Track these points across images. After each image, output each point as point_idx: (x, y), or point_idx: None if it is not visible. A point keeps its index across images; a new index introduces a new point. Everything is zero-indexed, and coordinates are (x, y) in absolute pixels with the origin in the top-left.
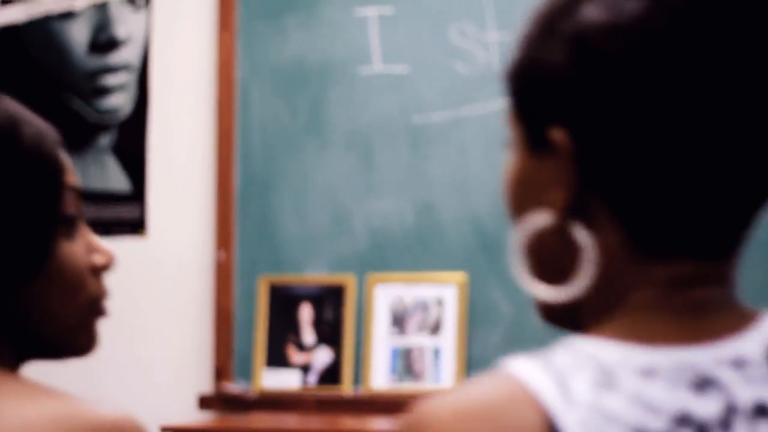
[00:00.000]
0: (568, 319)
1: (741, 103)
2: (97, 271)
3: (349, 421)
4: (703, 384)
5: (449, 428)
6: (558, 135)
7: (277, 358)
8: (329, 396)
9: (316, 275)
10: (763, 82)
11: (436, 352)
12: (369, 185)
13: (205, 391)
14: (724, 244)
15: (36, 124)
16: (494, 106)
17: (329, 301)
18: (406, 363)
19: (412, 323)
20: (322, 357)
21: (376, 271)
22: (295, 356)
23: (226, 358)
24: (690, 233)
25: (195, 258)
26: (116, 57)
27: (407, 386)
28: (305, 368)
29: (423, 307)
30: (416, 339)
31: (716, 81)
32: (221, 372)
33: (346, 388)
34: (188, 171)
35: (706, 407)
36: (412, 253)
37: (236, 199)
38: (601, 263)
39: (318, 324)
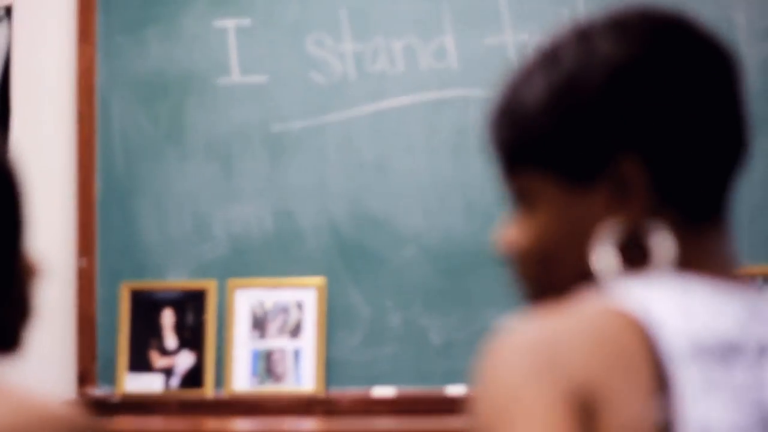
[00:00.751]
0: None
1: (720, 104)
2: (31, 278)
3: (211, 423)
4: (760, 313)
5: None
6: (627, 160)
7: (140, 363)
8: (192, 398)
9: (178, 281)
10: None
11: (297, 354)
12: (229, 192)
13: (68, 396)
14: (724, 211)
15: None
16: (350, 114)
17: (191, 306)
18: (266, 365)
19: (272, 326)
20: (185, 361)
21: (237, 277)
22: (158, 360)
23: (90, 363)
24: (718, 199)
25: (57, 265)
26: None
27: (268, 388)
28: (168, 372)
29: (283, 310)
30: (277, 342)
31: (702, 91)
32: (85, 377)
33: (208, 390)
34: (49, 179)
35: (763, 329)
36: (272, 258)
37: (97, 207)
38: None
39: (180, 328)
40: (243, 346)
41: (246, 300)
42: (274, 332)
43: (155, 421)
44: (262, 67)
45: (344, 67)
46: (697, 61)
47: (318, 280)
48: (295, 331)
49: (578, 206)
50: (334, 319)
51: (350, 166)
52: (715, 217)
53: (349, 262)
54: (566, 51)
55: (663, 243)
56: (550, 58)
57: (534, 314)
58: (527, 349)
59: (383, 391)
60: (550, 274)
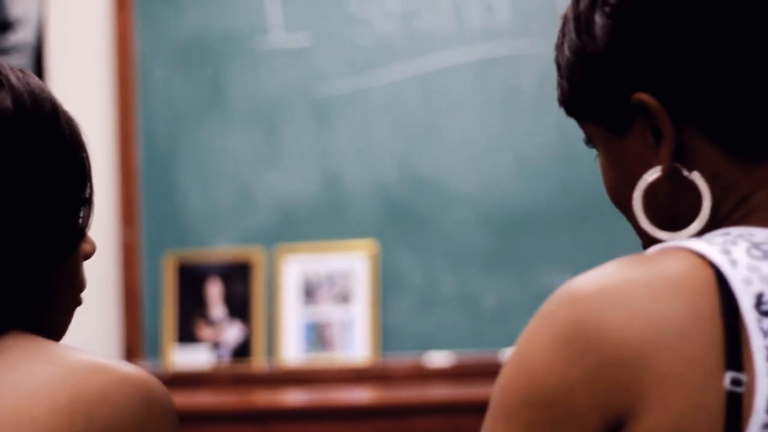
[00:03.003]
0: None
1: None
2: (85, 260)
3: (262, 396)
4: None
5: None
6: (644, 97)
7: (187, 335)
8: (242, 372)
9: (224, 250)
10: None
11: (349, 323)
12: (273, 158)
13: None
14: None
15: (67, 111)
16: (396, 74)
17: (238, 276)
18: (318, 335)
19: (323, 294)
20: (233, 332)
21: (284, 243)
22: (205, 332)
23: (135, 337)
24: None
25: (99, 237)
26: (10, 39)
27: (320, 358)
28: (216, 344)
29: (333, 277)
30: (328, 310)
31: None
32: (131, 351)
33: (258, 362)
34: (90, 149)
35: None
36: (320, 224)
37: (140, 176)
38: (713, 190)
39: (227, 299)
40: (293, 315)
41: (295, 268)
42: (324, 300)
43: (205, 396)
44: (304, 28)
45: (388, 26)
46: None
47: (368, 244)
48: (347, 298)
49: (624, 153)
50: (386, 285)
51: (398, 128)
52: None
53: (400, 226)
54: (578, 7)
55: (700, 183)
56: (566, 16)
57: (608, 263)
58: (570, 320)
59: (438, 358)
60: (630, 221)
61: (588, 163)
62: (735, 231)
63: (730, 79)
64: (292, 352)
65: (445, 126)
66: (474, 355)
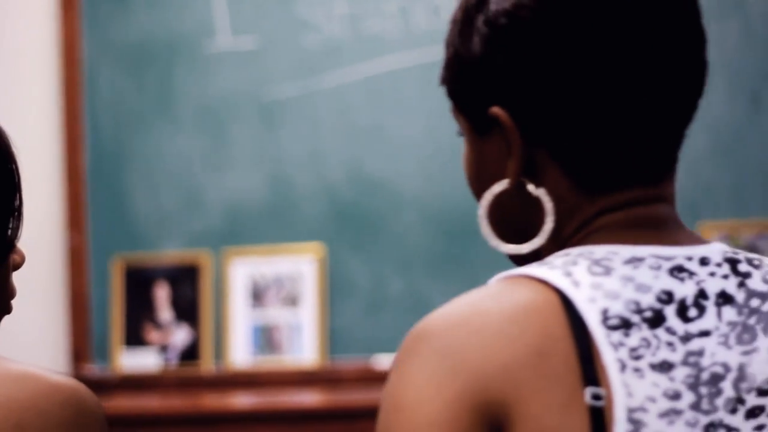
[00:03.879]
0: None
1: (645, 50)
2: (14, 270)
3: (210, 399)
4: (679, 271)
5: (465, 322)
6: (498, 112)
7: (135, 339)
8: (189, 375)
9: (171, 253)
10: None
11: (297, 326)
12: (221, 161)
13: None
14: (661, 168)
15: None
16: (344, 78)
17: (185, 279)
18: (266, 338)
19: (270, 297)
20: (181, 336)
21: (232, 246)
22: (153, 336)
23: (83, 340)
24: (629, 165)
25: (46, 240)
26: None
27: (268, 361)
28: (164, 347)
29: (281, 280)
30: (276, 313)
31: (611, 34)
32: (78, 354)
33: (206, 365)
34: (36, 153)
35: (684, 289)
36: (267, 227)
37: (86, 180)
38: (557, 210)
39: (175, 302)
40: (241, 318)
41: (242, 271)
42: (272, 303)
43: (153, 399)
44: (251, 31)
45: (337, 29)
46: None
47: (316, 246)
48: (294, 301)
49: (484, 152)
50: (334, 288)
51: (346, 131)
52: (631, 182)
53: (348, 229)
54: (466, 8)
55: (544, 198)
56: (455, 14)
57: (456, 299)
58: (432, 349)
59: (386, 361)
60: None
61: None
62: (575, 251)
63: (583, 113)
64: (240, 354)
65: (393, 129)
66: None
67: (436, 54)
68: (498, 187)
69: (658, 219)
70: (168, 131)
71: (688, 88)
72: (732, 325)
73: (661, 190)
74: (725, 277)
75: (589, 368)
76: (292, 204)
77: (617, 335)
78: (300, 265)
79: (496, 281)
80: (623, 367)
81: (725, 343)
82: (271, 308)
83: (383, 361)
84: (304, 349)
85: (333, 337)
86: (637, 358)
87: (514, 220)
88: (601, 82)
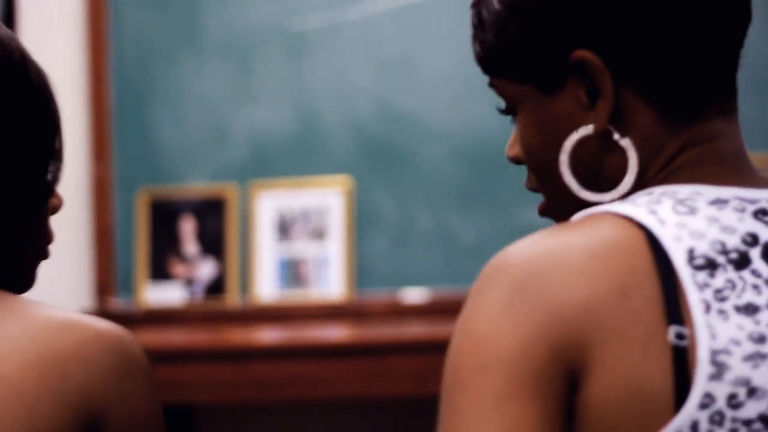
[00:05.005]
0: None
1: None
2: (52, 214)
3: (236, 334)
4: (764, 214)
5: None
6: (585, 54)
7: (160, 272)
8: (215, 309)
9: (197, 186)
10: None
11: (324, 260)
12: (247, 94)
13: (87, 308)
14: (730, 92)
15: (36, 61)
16: (372, 8)
17: (211, 212)
18: (292, 272)
19: (297, 231)
20: (206, 269)
21: (257, 179)
22: (179, 269)
23: (108, 274)
24: (707, 86)
25: (71, 173)
26: None
27: (295, 295)
28: (189, 281)
29: (308, 214)
30: (302, 247)
31: None
32: (103, 288)
33: (232, 299)
34: (62, 86)
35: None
36: (294, 160)
37: (112, 112)
38: (642, 152)
39: (201, 236)
40: (267, 252)
41: (269, 204)
42: (299, 237)
43: (178, 334)
44: None
45: None
46: None
47: (344, 180)
48: (321, 234)
49: (551, 113)
50: (361, 222)
51: (374, 63)
52: (710, 112)
53: (376, 162)
54: None
55: (629, 149)
56: None
57: (538, 232)
58: (511, 280)
59: (414, 295)
60: (547, 186)
61: None
62: (658, 190)
63: (664, 40)
64: (267, 289)
65: (421, 60)
66: (450, 291)
67: None
68: (582, 132)
69: (737, 156)
70: (193, 64)
71: (742, 13)
72: None
73: (733, 124)
74: None
75: (674, 307)
76: (319, 137)
77: (702, 275)
78: (327, 199)
79: (579, 217)
80: (708, 308)
81: None
82: (298, 242)
83: (411, 295)
84: (331, 283)
85: (360, 271)
86: (722, 299)
87: (590, 169)
88: (677, 9)
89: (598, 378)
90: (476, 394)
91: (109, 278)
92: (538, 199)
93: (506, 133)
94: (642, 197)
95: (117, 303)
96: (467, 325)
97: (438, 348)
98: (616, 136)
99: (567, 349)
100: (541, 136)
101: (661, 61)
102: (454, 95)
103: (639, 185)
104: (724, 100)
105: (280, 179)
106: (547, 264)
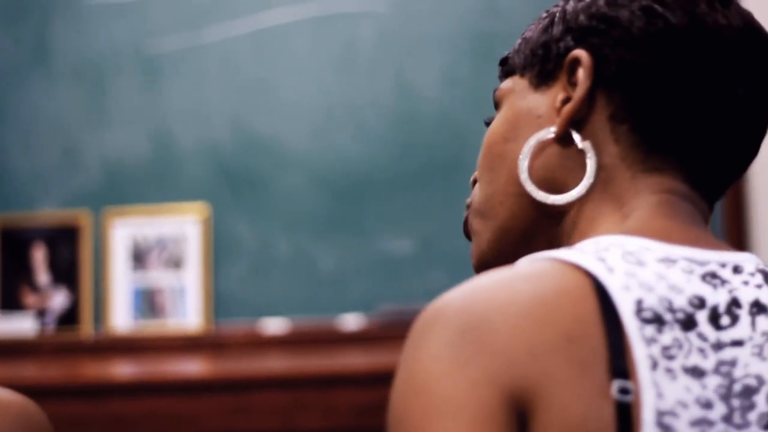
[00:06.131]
0: (547, 244)
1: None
2: None
3: (90, 367)
4: (712, 277)
5: (494, 298)
6: (582, 54)
7: (10, 303)
8: (68, 340)
9: (49, 212)
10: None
11: (180, 289)
12: (100, 117)
13: None
14: (712, 188)
15: None
16: (230, 31)
17: (64, 240)
18: (148, 302)
19: (153, 260)
20: (59, 299)
21: (112, 206)
22: (30, 299)
23: None
24: (687, 154)
25: None
26: None
27: (150, 326)
28: (41, 311)
29: (164, 242)
30: (158, 276)
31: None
32: None
33: (86, 331)
34: None
35: (716, 296)
36: (149, 186)
37: None
38: (599, 174)
39: (53, 264)
40: (122, 281)
41: (124, 232)
42: (155, 266)
43: (28, 368)
44: None
45: None
46: None
47: (200, 207)
48: (178, 263)
49: (530, 108)
50: (219, 250)
51: (232, 86)
52: (679, 173)
53: (233, 189)
54: None
55: (589, 152)
56: None
57: (472, 278)
58: (455, 325)
59: (273, 325)
60: (493, 185)
61: (427, 123)
62: (604, 240)
63: (682, 84)
64: (121, 319)
65: (280, 85)
66: (310, 321)
67: (326, 7)
68: (544, 134)
69: (692, 215)
70: (45, 86)
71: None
72: (767, 335)
73: (703, 204)
74: (759, 286)
75: (620, 360)
76: (175, 162)
77: (650, 330)
78: (183, 226)
79: (523, 262)
80: (655, 364)
81: (759, 354)
82: (154, 271)
83: (270, 325)
84: (188, 313)
85: (218, 301)
86: (670, 357)
87: (546, 173)
88: (700, 63)
89: (547, 427)
90: None
91: None
92: (398, 226)
93: (367, 160)
94: (589, 245)
95: None
96: (409, 377)
97: (302, 382)
98: (576, 138)
99: (516, 396)
100: (507, 127)
101: (660, 100)
102: (312, 120)
103: (579, 212)
104: (701, 177)
105: (135, 206)
106: (490, 308)
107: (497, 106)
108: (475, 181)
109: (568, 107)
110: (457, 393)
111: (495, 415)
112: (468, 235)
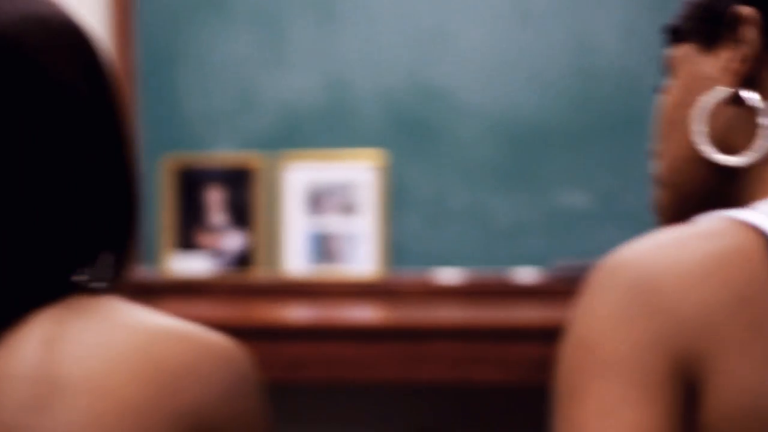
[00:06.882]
0: (717, 203)
1: None
2: None
3: (261, 309)
4: None
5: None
6: (745, 10)
7: (185, 242)
8: (241, 282)
9: (224, 154)
10: None
11: (355, 236)
12: (277, 59)
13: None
14: None
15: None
16: None
17: (239, 182)
18: (323, 247)
19: (328, 205)
20: (234, 241)
21: (287, 149)
22: (205, 239)
23: None
24: None
25: None
26: None
27: (325, 270)
28: (216, 252)
29: (340, 187)
30: (333, 221)
31: None
32: None
33: (259, 273)
34: None
35: None
36: (325, 130)
37: (137, 77)
38: None
39: (228, 206)
40: (297, 225)
41: (299, 175)
42: (330, 211)
43: (202, 307)
44: None
45: None
46: None
47: (377, 154)
48: (353, 209)
49: (700, 72)
50: (393, 199)
51: (408, 34)
52: None
53: (409, 137)
54: None
55: (764, 117)
56: None
57: (649, 234)
58: (627, 284)
59: (448, 275)
60: (672, 149)
61: (605, 76)
62: None
63: None
64: (296, 263)
65: (457, 34)
66: (485, 273)
67: None
68: (715, 95)
69: None
70: (221, 28)
71: None
72: None
73: None
74: None
75: None
76: (351, 108)
77: None
78: (360, 173)
79: (700, 221)
80: None
81: None
82: (329, 216)
83: (445, 275)
84: (362, 260)
85: (392, 249)
86: None
87: (720, 134)
88: None
89: (718, 393)
90: (591, 400)
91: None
92: (574, 179)
93: (544, 112)
94: (764, 205)
95: (141, 271)
96: (579, 333)
97: (476, 334)
98: (749, 96)
99: (684, 359)
100: (681, 94)
101: None
102: (489, 70)
103: (753, 173)
104: None
105: (310, 150)
106: (664, 268)
107: (668, 73)
108: (651, 154)
109: (738, 66)
110: (624, 354)
111: (661, 380)
112: (656, 210)
